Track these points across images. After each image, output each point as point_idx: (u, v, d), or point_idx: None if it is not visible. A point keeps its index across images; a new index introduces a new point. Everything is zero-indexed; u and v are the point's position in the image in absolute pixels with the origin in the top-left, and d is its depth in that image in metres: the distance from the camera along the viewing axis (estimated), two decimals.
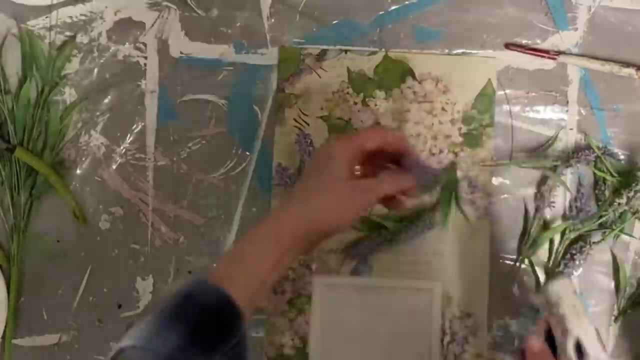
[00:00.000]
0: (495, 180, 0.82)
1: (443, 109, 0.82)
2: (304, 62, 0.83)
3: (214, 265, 0.66)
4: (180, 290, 0.58)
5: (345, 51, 0.83)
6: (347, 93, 0.82)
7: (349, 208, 0.64)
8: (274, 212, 0.66)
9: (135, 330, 0.56)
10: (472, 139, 0.82)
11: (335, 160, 0.64)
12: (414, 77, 0.82)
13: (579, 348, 0.64)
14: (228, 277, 0.59)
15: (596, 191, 0.81)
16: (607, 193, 0.81)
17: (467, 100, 0.82)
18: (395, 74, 0.82)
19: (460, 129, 0.82)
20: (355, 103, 0.82)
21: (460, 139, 0.82)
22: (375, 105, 0.82)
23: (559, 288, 0.66)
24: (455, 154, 0.82)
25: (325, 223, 0.64)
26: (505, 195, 0.82)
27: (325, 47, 0.83)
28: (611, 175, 0.81)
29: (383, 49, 0.83)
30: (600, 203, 0.81)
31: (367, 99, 0.82)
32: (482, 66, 0.82)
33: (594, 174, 0.81)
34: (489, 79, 0.82)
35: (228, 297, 0.57)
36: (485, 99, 0.82)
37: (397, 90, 0.82)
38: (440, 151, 0.82)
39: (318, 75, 0.83)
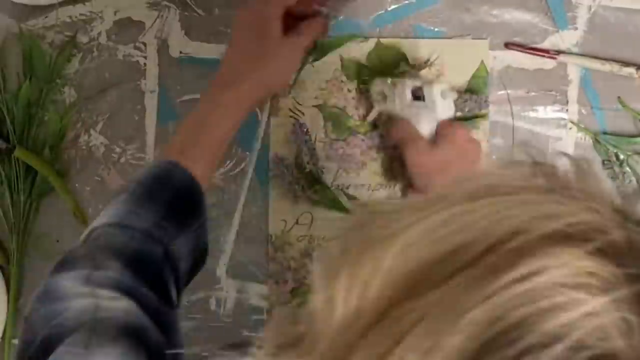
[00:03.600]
0: None
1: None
2: None
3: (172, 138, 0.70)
4: (149, 172, 0.62)
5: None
6: (341, 81, 0.82)
7: (291, 66, 0.74)
8: (222, 81, 0.70)
9: (108, 211, 0.59)
10: (467, 122, 0.82)
11: (272, 22, 0.70)
12: (407, 62, 0.82)
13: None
14: (191, 150, 0.64)
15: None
16: None
17: (460, 83, 0.82)
18: (388, 60, 0.82)
19: (455, 112, 0.82)
20: (350, 90, 0.82)
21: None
22: (369, 91, 0.82)
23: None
24: None
25: (277, 84, 0.74)
26: None
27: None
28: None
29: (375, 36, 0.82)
30: None
31: (361, 86, 0.82)
32: (474, 49, 0.82)
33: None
34: (482, 61, 0.82)
35: (193, 179, 0.62)
36: (479, 81, 0.82)
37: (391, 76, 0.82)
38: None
39: (311, 64, 0.83)
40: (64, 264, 0.57)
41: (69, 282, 0.54)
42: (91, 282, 0.54)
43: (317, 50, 0.81)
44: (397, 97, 0.75)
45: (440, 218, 0.31)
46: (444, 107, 0.74)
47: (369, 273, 0.31)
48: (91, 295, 0.53)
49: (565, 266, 0.28)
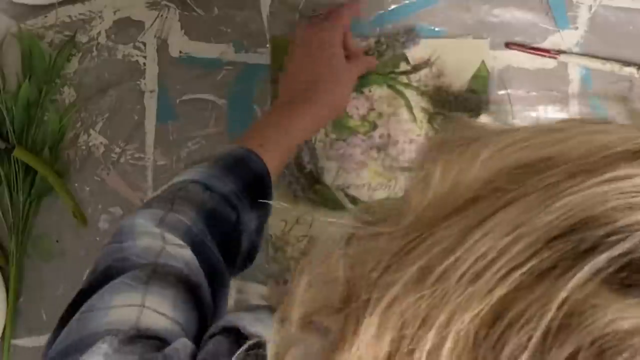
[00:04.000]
0: None
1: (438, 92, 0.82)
2: None
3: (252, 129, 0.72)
4: (230, 151, 0.66)
5: None
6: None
7: (350, 92, 0.77)
8: (297, 95, 0.73)
9: (189, 172, 0.63)
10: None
11: (339, 48, 0.75)
12: (407, 62, 0.82)
13: None
14: (271, 146, 0.68)
15: None
16: None
17: (461, 83, 0.82)
18: (388, 60, 0.82)
19: (455, 111, 0.82)
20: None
21: None
22: (370, 91, 0.82)
23: None
24: None
25: (341, 109, 0.78)
26: None
27: None
28: None
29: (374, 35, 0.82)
30: None
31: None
32: (474, 48, 0.82)
33: None
34: (482, 60, 0.82)
35: (267, 169, 0.66)
36: (480, 80, 0.82)
37: (391, 76, 0.82)
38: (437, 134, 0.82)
39: None
40: (144, 205, 0.60)
41: (143, 220, 0.57)
42: (163, 224, 0.57)
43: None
44: None
45: (535, 130, 0.34)
46: None
47: (466, 162, 0.33)
48: (160, 238, 0.56)
49: None
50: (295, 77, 0.75)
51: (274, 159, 0.68)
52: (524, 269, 0.28)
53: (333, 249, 0.35)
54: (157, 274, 0.53)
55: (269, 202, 0.66)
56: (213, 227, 0.60)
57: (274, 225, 0.82)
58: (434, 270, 0.30)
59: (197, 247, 0.57)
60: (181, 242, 0.56)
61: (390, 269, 0.31)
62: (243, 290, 0.82)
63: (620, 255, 0.27)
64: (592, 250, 0.28)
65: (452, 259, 0.30)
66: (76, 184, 0.84)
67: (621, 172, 0.30)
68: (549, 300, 0.27)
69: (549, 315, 0.27)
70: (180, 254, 0.55)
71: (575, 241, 0.28)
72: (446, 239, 0.31)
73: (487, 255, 0.29)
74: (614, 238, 0.28)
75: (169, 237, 0.56)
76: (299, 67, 0.75)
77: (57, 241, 0.83)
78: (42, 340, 0.83)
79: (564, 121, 0.35)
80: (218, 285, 0.57)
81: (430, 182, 0.34)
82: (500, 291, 0.28)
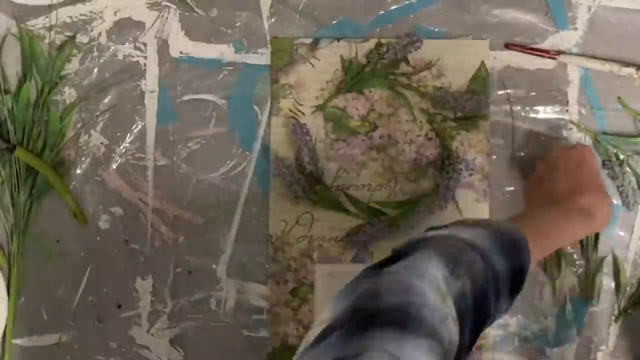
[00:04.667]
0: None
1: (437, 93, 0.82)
2: (297, 53, 0.83)
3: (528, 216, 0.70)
4: (510, 230, 0.62)
5: (338, 39, 0.83)
6: (342, 81, 0.82)
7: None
8: (583, 209, 0.71)
9: (470, 231, 0.59)
10: (468, 123, 0.82)
11: (596, 166, 0.77)
12: (407, 63, 0.82)
13: None
14: (541, 244, 0.65)
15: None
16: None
17: (461, 84, 0.82)
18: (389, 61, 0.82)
19: (455, 112, 0.82)
20: (350, 91, 0.82)
21: (455, 123, 0.82)
22: (370, 91, 0.82)
23: None
24: (452, 138, 0.82)
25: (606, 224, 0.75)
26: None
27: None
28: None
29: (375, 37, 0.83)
30: None
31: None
32: (474, 49, 0.82)
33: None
34: (482, 61, 0.82)
35: (529, 265, 0.61)
36: (480, 81, 0.82)
37: (391, 77, 0.82)
38: (437, 135, 0.82)
39: (312, 64, 0.83)
40: (436, 242, 0.56)
41: (436, 269, 0.53)
42: (448, 286, 0.53)
43: None
44: None
45: None
46: None
47: None
48: (444, 301, 0.51)
49: None
50: (577, 196, 0.72)
51: (535, 256, 0.64)
52: None
53: None
54: (444, 356, 0.49)
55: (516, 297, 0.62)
56: (479, 306, 0.56)
57: (274, 225, 0.82)
58: None
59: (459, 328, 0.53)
60: (455, 316, 0.52)
61: None
62: (243, 290, 0.82)
63: None
64: None
65: None
66: (76, 184, 0.84)
67: None
68: None
69: None
70: (454, 330, 0.51)
71: None
72: None
73: None
74: None
75: (450, 304, 0.52)
76: (569, 179, 0.74)
77: (57, 241, 0.83)
78: (42, 340, 0.83)
79: None
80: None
81: None
82: None
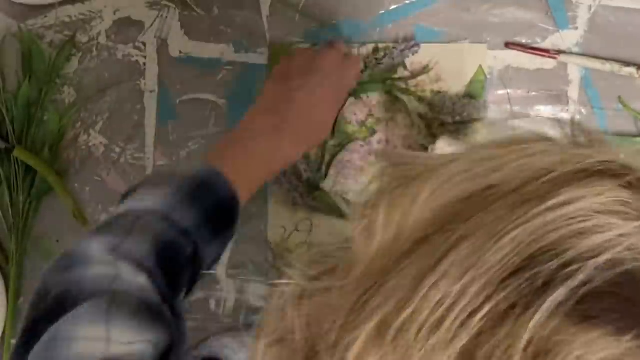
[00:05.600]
0: None
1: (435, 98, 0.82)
2: None
3: (219, 147, 0.69)
4: (196, 175, 0.62)
5: None
6: None
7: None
8: (281, 124, 0.69)
9: (152, 197, 0.60)
10: (466, 127, 0.81)
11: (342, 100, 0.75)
12: (405, 67, 0.82)
13: None
14: (242, 169, 0.64)
15: None
16: None
17: (459, 88, 0.82)
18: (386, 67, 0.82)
19: (454, 117, 0.82)
20: (348, 96, 0.82)
21: (454, 127, 0.82)
22: (368, 97, 0.82)
23: None
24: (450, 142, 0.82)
25: (327, 133, 0.75)
26: None
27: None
28: None
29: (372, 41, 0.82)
30: None
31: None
32: (472, 53, 0.82)
33: None
34: (480, 65, 0.82)
35: (236, 195, 0.62)
36: (477, 85, 0.82)
37: (389, 82, 0.82)
38: (435, 138, 0.82)
39: None
40: (98, 230, 0.58)
41: (97, 246, 0.56)
42: (117, 253, 0.55)
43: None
44: None
45: (474, 158, 0.33)
46: None
47: (407, 203, 0.32)
48: (113, 265, 0.54)
49: (599, 195, 0.30)
50: (287, 107, 0.71)
51: (244, 184, 0.64)
52: (482, 312, 0.27)
53: (286, 308, 0.34)
54: (117, 302, 0.51)
55: (232, 230, 0.64)
56: (166, 262, 0.57)
57: (274, 232, 0.82)
58: (392, 325, 0.29)
59: (150, 277, 0.55)
60: (135, 269, 0.55)
61: (347, 327, 0.30)
62: (243, 291, 0.82)
63: (578, 287, 0.27)
64: (549, 284, 0.27)
65: (408, 310, 0.29)
66: (76, 184, 0.84)
67: (563, 197, 0.29)
68: (513, 343, 0.26)
69: (516, 358, 0.26)
70: (136, 280, 0.54)
71: (530, 277, 0.27)
72: (400, 288, 0.30)
73: (443, 302, 0.28)
74: (568, 270, 0.27)
75: (122, 265, 0.55)
76: (302, 96, 0.71)
77: (57, 241, 0.83)
78: None
79: (501, 146, 0.34)
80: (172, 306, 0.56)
81: (374, 230, 0.33)
82: (461, 340, 0.27)
